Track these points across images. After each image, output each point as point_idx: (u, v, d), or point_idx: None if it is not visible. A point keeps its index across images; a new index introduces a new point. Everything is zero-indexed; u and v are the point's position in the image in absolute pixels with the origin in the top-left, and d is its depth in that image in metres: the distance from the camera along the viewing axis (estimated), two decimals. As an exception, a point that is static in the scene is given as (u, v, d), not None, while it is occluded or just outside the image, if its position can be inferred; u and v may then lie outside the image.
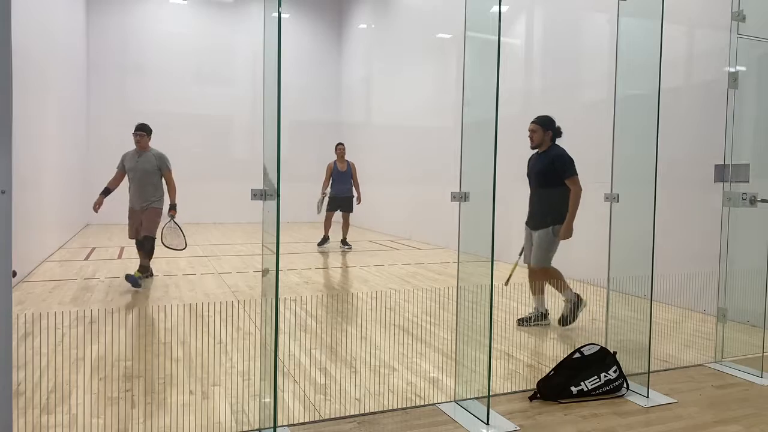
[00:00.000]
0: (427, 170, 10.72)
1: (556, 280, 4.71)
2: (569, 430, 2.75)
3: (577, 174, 4.58)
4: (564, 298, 4.74)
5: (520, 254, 5.00)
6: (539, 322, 4.74)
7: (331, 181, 9.65)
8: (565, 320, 4.72)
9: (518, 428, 2.76)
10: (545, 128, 4.70)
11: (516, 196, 7.80)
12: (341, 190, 9.65)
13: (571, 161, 4.61)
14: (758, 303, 3.89)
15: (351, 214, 9.81)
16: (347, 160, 9.69)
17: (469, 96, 3.04)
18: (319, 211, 9.86)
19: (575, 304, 4.66)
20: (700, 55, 5.46)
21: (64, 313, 4.81)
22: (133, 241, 6.36)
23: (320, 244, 9.75)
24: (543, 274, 4.72)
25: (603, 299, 3.61)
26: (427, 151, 10.83)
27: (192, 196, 14.12)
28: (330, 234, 9.85)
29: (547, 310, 4.81)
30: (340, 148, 9.67)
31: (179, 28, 14.02)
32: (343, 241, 9.72)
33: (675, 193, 5.45)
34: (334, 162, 9.68)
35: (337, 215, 9.82)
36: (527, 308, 5.32)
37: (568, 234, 4.66)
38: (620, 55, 3.29)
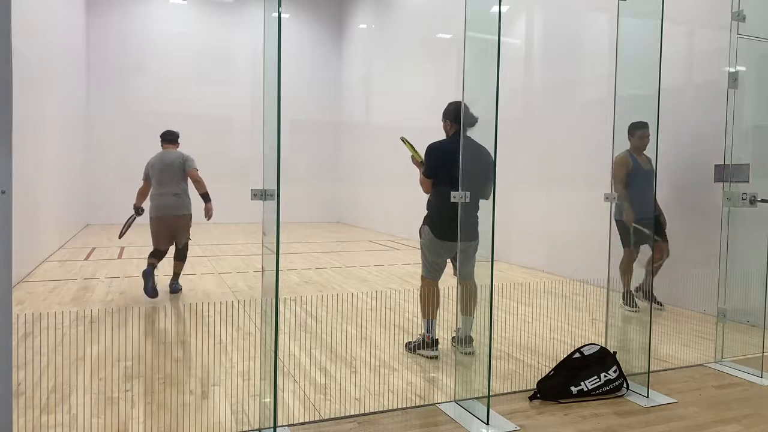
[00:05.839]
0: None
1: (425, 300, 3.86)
2: (569, 430, 2.75)
3: (424, 175, 4.01)
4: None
5: None
6: (423, 351, 3.79)
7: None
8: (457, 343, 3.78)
9: (518, 428, 2.76)
10: (444, 117, 4.15)
11: (517, 196, 7.83)
12: (648, 202, 4.21)
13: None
14: (758, 303, 3.89)
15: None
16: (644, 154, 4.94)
17: (469, 97, 3.04)
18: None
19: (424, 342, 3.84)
20: (700, 55, 5.46)
21: (64, 313, 4.81)
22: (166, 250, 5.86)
23: (633, 305, 4.77)
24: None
25: (603, 299, 3.61)
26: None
27: (191, 196, 14.20)
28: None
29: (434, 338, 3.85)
30: (646, 136, 4.61)
31: (179, 28, 14.02)
32: (633, 301, 4.80)
33: (675, 193, 5.45)
34: (629, 154, 4.74)
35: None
36: (527, 308, 5.32)
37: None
38: (620, 55, 3.29)
